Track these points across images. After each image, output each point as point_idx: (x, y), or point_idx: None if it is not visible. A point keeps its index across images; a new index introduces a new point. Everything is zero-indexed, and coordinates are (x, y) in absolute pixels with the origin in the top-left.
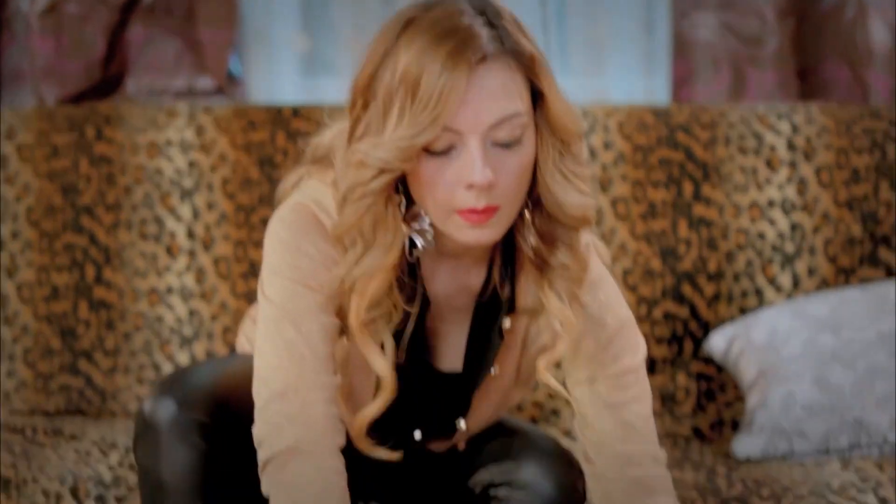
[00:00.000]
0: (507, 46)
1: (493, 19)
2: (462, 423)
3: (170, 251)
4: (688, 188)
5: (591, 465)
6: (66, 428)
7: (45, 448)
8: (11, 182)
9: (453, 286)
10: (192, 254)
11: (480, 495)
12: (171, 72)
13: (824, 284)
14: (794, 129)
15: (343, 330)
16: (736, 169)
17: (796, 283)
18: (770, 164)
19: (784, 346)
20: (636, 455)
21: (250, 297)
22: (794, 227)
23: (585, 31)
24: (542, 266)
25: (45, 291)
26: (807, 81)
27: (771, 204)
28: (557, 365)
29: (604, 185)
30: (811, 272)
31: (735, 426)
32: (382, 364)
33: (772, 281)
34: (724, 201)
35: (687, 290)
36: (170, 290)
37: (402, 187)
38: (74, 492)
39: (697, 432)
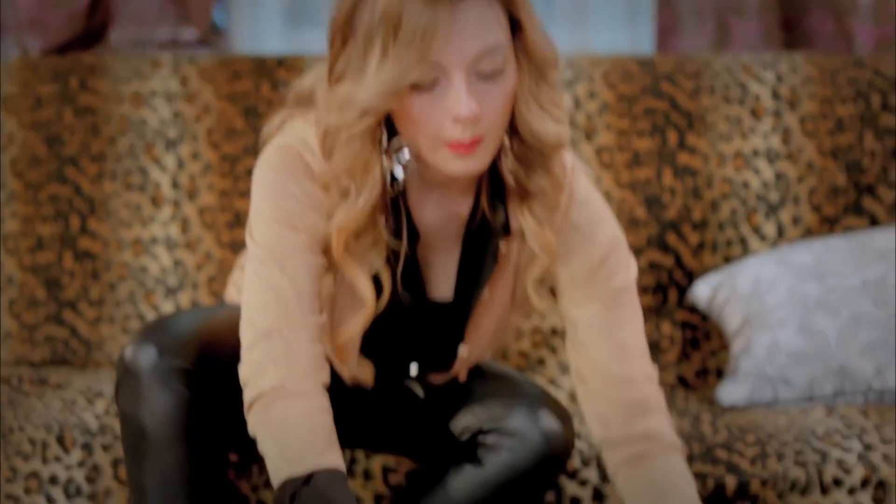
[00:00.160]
0: None
1: None
2: (463, 349)
3: (154, 201)
4: (672, 137)
5: (584, 385)
6: (51, 377)
7: (30, 397)
8: None
9: (442, 216)
10: (176, 204)
11: (467, 442)
12: (155, 22)
13: (808, 233)
14: (779, 78)
15: (330, 266)
16: (720, 118)
17: (781, 231)
18: (755, 114)
19: (768, 294)
20: (631, 376)
21: (235, 247)
22: (778, 176)
23: None
24: (522, 191)
25: (30, 242)
26: (791, 31)
27: (755, 153)
28: (553, 292)
29: (588, 135)
30: (795, 221)
31: (720, 374)
32: (363, 280)
33: (756, 230)
34: (709, 150)
35: (672, 239)
36: (154, 241)
37: (383, 122)
38: (61, 440)
39: (682, 381)
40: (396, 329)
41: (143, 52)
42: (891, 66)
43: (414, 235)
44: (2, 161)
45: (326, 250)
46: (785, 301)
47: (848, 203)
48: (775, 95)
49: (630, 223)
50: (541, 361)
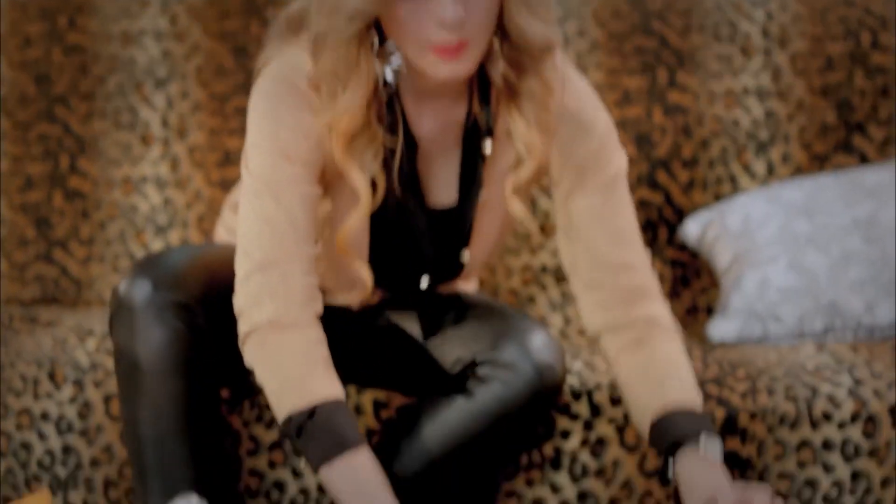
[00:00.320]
0: None
1: None
2: (465, 254)
3: (144, 140)
4: (662, 75)
5: (582, 276)
6: (42, 316)
7: (21, 335)
8: None
9: (438, 124)
10: (166, 143)
11: (458, 375)
12: None
13: (799, 171)
14: (769, 16)
15: (326, 190)
16: (711, 56)
17: (771, 169)
18: (745, 52)
19: (759, 231)
20: (630, 262)
21: (225, 186)
22: (768, 114)
23: None
24: (511, 93)
25: (20, 181)
26: None
27: (745, 91)
28: (547, 190)
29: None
30: (785, 159)
31: (710, 312)
32: (359, 176)
33: (746, 168)
34: (699, 88)
35: (662, 176)
36: (144, 179)
37: (374, 25)
38: (52, 376)
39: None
40: (404, 240)
41: None
42: (881, 4)
43: (412, 145)
44: None
45: (322, 178)
46: (775, 238)
47: (838, 141)
48: (765, 34)
49: None
50: (531, 299)
